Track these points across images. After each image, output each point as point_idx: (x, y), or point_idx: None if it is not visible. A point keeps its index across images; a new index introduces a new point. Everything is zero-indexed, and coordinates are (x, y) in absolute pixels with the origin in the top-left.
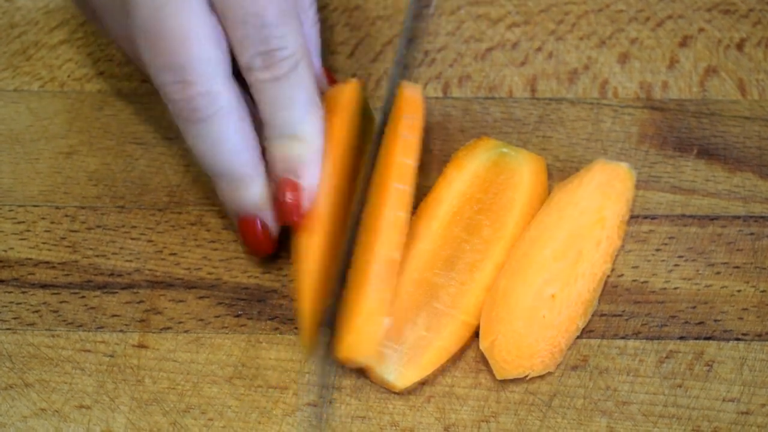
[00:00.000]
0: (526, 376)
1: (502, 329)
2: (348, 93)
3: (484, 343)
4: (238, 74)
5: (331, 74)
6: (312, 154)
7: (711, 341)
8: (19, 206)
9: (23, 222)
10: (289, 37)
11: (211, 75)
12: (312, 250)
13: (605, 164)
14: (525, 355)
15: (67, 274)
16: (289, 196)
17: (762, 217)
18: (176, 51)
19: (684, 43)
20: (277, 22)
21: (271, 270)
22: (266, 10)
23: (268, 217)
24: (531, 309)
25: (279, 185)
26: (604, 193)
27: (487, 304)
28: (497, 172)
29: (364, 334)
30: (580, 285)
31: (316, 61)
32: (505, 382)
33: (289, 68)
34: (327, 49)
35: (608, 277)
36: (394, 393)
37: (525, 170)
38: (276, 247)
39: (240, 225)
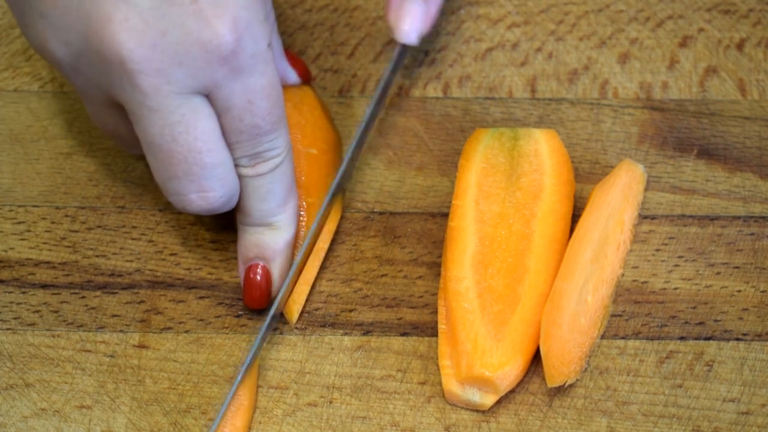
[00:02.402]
0: (565, 383)
1: (555, 333)
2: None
3: (543, 347)
4: None
5: (303, 68)
6: (284, 242)
7: (711, 341)
8: (20, 206)
9: (23, 222)
10: (278, 141)
11: (222, 177)
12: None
13: (630, 165)
14: (566, 362)
15: (68, 275)
16: (258, 276)
17: (762, 217)
18: (193, 162)
19: (684, 43)
20: (270, 130)
21: None
22: (263, 121)
23: (275, 269)
24: (574, 314)
25: (250, 267)
26: (624, 195)
27: (547, 306)
28: (516, 157)
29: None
30: (603, 290)
31: (281, 62)
32: None
33: (272, 167)
34: (327, 49)
35: None
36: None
37: (544, 149)
38: (269, 303)
39: (248, 271)
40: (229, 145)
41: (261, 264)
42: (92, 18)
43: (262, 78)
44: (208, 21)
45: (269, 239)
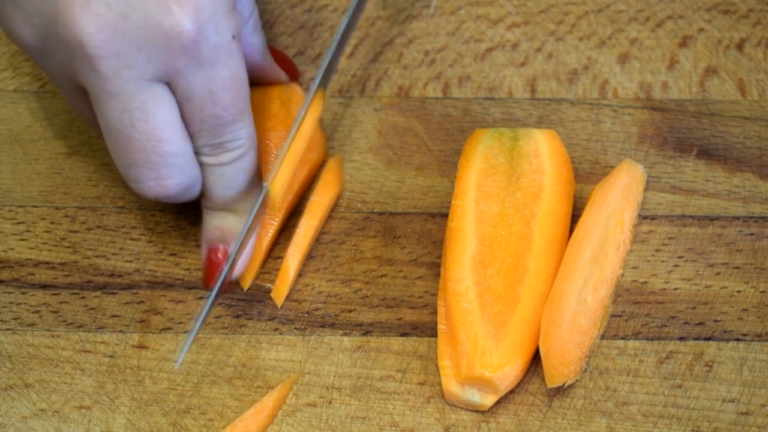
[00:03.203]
0: (565, 384)
1: (555, 333)
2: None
3: (543, 348)
4: None
5: (291, 67)
6: (243, 227)
7: (711, 342)
8: (19, 207)
9: (23, 222)
10: (240, 132)
11: (180, 166)
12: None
13: (630, 165)
14: (566, 362)
15: (67, 275)
16: (218, 257)
17: (762, 217)
18: (152, 150)
19: (684, 43)
20: (232, 120)
21: (271, 270)
22: (225, 112)
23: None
24: (573, 314)
25: (211, 249)
26: (624, 195)
27: (546, 307)
28: (516, 158)
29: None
30: (603, 290)
31: (267, 60)
32: None
33: (234, 158)
34: (327, 50)
35: None
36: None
37: (543, 150)
38: (225, 287)
39: (209, 253)
40: (191, 134)
41: (222, 247)
42: (57, 1)
43: (224, 69)
44: (169, 8)
45: (232, 224)
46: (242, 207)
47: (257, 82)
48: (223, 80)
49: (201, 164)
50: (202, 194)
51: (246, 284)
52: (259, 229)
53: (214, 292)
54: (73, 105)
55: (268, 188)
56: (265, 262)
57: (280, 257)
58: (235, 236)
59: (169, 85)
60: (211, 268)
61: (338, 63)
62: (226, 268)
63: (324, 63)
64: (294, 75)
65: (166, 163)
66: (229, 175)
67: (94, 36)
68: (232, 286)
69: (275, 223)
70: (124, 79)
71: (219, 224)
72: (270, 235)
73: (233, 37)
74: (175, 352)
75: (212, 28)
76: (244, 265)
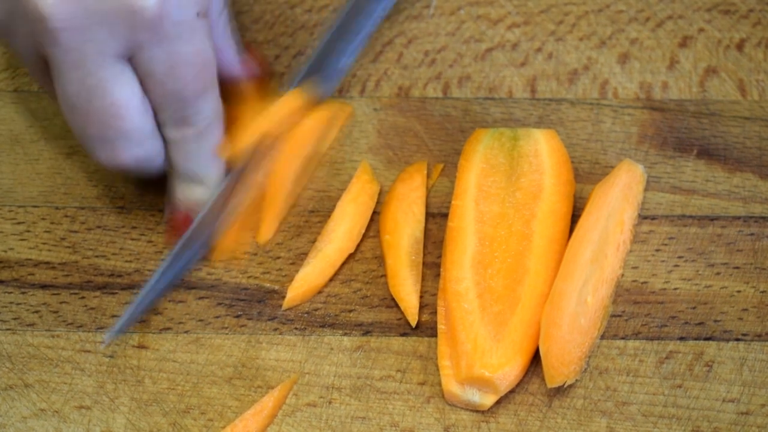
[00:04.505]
0: (565, 384)
1: (555, 334)
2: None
3: (543, 348)
4: None
5: (263, 63)
6: (209, 196)
7: (711, 342)
8: (19, 207)
9: (23, 222)
10: (204, 106)
11: (138, 141)
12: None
13: (630, 165)
14: (566, 362)
15: (67, 275)
16: (180, 223)
17: (762, 217)
18: (107, 126)
19: (684, 43)
20: (194, 96)
21: (270, 270)
22: (186, 88)
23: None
24: (573, 314)
25: (175, 213)
26: (624, 195)
27: (546, 307)
28: (516, 158)
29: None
30: (603, 290)
31: (233, 58)
32: None
33: (198, 131)
34: None
35: None
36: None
37: (543, 150)
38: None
39: (172, 218)
40: (154, 108)
41: (185, 213)
42: None
43: (186, 45)
44: None
45: (196, 193)
46: (207, 177)
47: (231, 81)
48: (185, 56)
49: (164, 137)
50: (168, 162)
51: (264, 238)
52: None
53: (173, 252)
54: (36, 78)
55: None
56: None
57: (279, 257)
58: (199, 205)
59: (131, 60)
60: (173, 231)
61: (342, 64)
62: (189, 232)
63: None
64: (265, 69)
65: (122, 138)
66: (193, 148)
67: (55, 8)
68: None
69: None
70: (86, 54)
71: (184, 193)
72: (286, 191)
73: (198, 14)
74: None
75: (175, 3)
76: (212, 231)
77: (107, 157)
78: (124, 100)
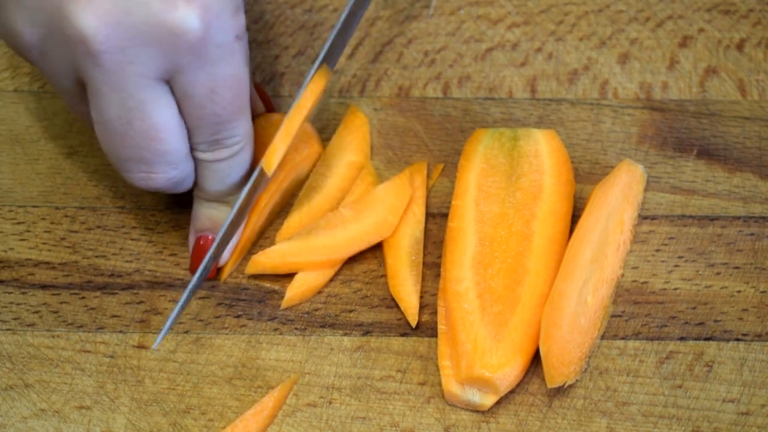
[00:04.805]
0: (565, 384)
1: (555, 334)
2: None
3: (543, 348)
4: None
5: (268, 100)
6: (233, 216)
7: (711, 342)
8: (19, 207)
9: (23, 222)
10: (237, 129)
11: (174, 163)
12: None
13: (630, 165)
14: (566, 362)
15: (67, 275)
16: (206, 245)
17: (762, 217)
18: (145, 148)
19: (684, 43)
20: (230, 119)
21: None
22: (224, 111)
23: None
24: (574, 314)
25: (200, 237)
26: (624, 195)
27: (546, 307)
28: (516, 158)
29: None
30: (603, 290)
31: (251, 90)
32: None
33: (231, 154)
34: None
35: None
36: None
37: (543, 150)
38: (213, 273)
39: (197, 243)
40: (189, 130)
41: (211, 236)
42: None
43: (226, 68)
44: (176, 5)
45: (224, 214)
46: (235, 199)
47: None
48: (224, 79)
49: (196, 159)
50: (195, 185)
51: (224, 275)
52: (247, 217)
53: (196, 278)
54: (69, 103)
55: (262, 164)
56: (248, 252)
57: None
58: (221, 225)
59: (170, 81)
60: (198, 255)
61: (346, 41)
62: (210, 254)
63: (330, 37)
64: (270, 107)
65: (159, 161)
66: (224, 170)
67: (98, 31)
68: (216, 273)
69: (264, 208)
70: (126, 75)
71: (210, 214)
72: (257, 225)
73: (237, 36)
74: (156, 339)
75: (218, 27)
76: (231, 251)
77: (142, 179)
78: (163, 123)
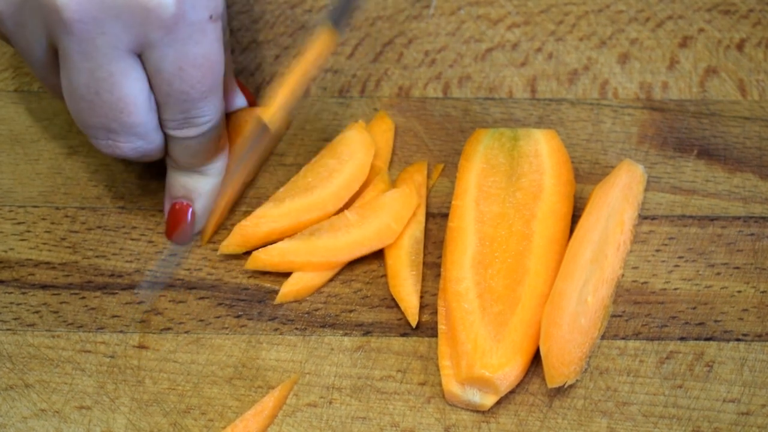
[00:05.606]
0: (565, 384)
1: (555, 334)
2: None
3: (543, 348)
4: None
5: (248, 93)
6: (210, 186)
7: (711, 342)
8: (19, 207)
9: (23, 223)
10: (207, 108)
11: (141, 135)
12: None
13: (630, 165)
14: (566, 362)
15: (68, 275)
16: (182, 211)
17: (762, 217)
18: (112, 119)
19: (684, 43)
20: (199, 97)
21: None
22: (192, 89)
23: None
24: (574, 314)
25: (175, 203)
26: (624, 195)
27: (547, 307)
28: (516, 158)
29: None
30: (603, 290)
31: (231, 82)
32: None
33: (200, 132)
34: None
35: None
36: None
37: (543, 150)
38: (192, 238)
39: (172, 208)
40: (158, 105)
41: (185, 202)
42: None
43: (196, 47)
44: None
45: (197, 183)
46: (208, 169)
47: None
48: (194, 58)
49: (168, 133)
50: (168, 154)
51: (204, 240)
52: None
53: (176, 247)
54: (41, 75)
55: (263, 118)
56: (225, 218)
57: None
58: (199, 194)
59: (141, 56)
60: (174, 223)
61: (354, 6)
62: (197, 227)
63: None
64: (251, 101)
65: (125, 131)
66: (194, 146)
67: (71, 1)
68: (193, 239)
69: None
70: (97, 45)
71: (184, 183)
72: (232, 190)
73: (210, 16)
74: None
75: (192, 5)
76: (206, 218)
77: (108, 146)
78: (131, 96)
